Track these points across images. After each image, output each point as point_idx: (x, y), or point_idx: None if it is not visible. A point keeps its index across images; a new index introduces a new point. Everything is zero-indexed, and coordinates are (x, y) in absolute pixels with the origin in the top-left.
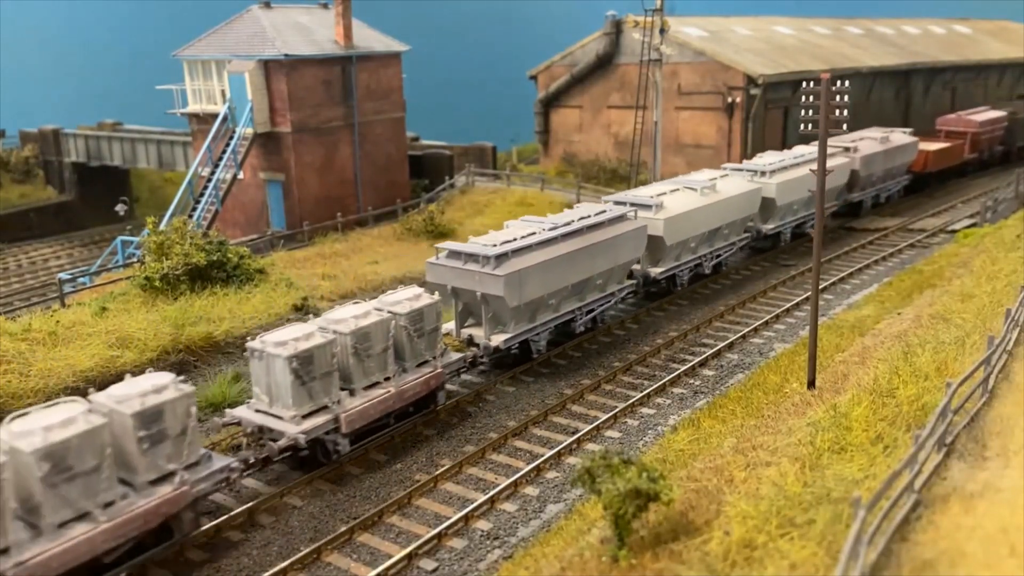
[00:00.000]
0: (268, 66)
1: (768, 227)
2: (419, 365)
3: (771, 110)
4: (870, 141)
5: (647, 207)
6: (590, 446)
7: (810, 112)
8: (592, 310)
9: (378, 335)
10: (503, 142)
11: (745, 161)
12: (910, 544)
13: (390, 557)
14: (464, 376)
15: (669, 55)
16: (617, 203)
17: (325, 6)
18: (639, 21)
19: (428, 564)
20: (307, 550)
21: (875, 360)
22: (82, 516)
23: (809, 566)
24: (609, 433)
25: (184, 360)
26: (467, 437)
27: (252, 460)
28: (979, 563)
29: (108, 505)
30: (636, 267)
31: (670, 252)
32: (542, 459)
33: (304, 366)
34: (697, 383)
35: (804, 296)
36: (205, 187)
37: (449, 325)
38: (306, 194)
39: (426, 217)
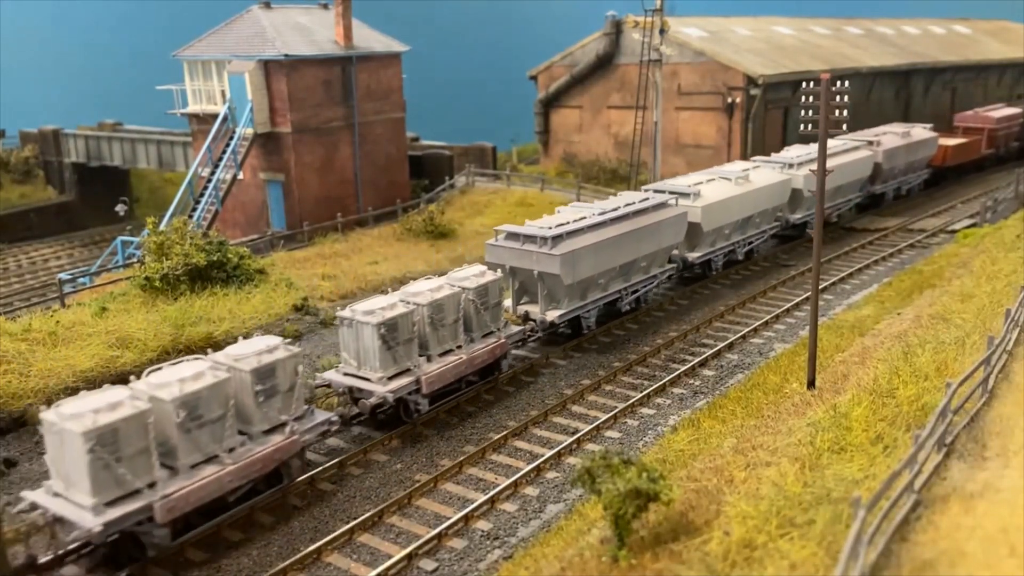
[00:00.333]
0: (268, 66)
1: (796, 216)
2: (484, 336)
3: (771, 110)
4: (892, 135)
5: (686, 195)
6: (590, 446)
7: (810, 112)
8: (636, 290)
9: (450, 307)
10: (503, 142)
11: (773, 154)
12: (910, 544)
13: (390, 557)
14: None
15: (669, 55)
16: (657, 191)
17: (325, 6)
18: (639, 21)
19: (428, 564)
20: (307, 550)
21: (875, 360)
22: (210, 459)
23: (809, 566)
24: (609, 433)
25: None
26: (467, 437)
27: (347, 415)
28: (979, 563)
29: (231, 450)
30: (674, 252)
31: (706, 238)
32: (542, 459)
33: (390, 332)
34: (697, 383)
35: (804, 296)
36: (205, 187)
37: (506, 302)
38: (306, 194)
39: (426, 217)
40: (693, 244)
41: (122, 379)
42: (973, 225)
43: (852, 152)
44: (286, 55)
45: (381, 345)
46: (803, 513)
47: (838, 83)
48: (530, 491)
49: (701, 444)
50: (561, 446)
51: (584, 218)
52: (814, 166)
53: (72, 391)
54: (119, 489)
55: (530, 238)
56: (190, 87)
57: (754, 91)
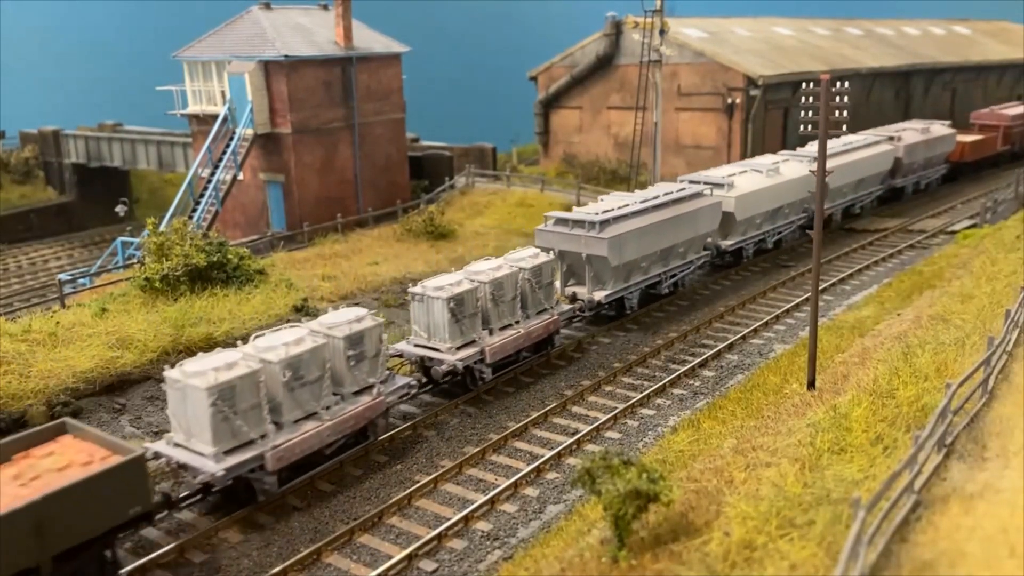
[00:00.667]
0: (268, 67)
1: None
2: (539, 313)
3: (771, 111)
4: (912, 131)
5: (720, 185)
6: (590, 447)
7: (810, 113)
8: (675, 274)
9: (509, 285)
10: (503, 143)
11: (798, 148)
12: (910, 545)
13: (390, 558)
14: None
15: (669, 56)
16: (692, 182)
17: (325, 7)
18: (639, 22)
19: (428, 565)
20: (307, 551)
21: (875, 361)
22: (310, 416)
23: (809, 567)
24: (609, 434)
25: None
26: (467, 438)
27: (421, 382)
28: (979, 564)
29: (327, 408)
30: (708, 239)
31: (739, 227)
32: (542, 460)
33: (458, 307)
34: (697, 384)
35: (804, 297)
36: (205, 188)
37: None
38: (306, 195)
39: (426, 218)
40: (726, 232)
41: (122, 380)
42: (973, 226)
43: (874, 147)
44: (286, 56)
45: (450, 318)
46: (803, 514)
47: (838, 84)
48: (530, 492)
49: (701, 445)
50: (561, 447)
51: (627, 205)
52: (840, 160)
53: (72, 392)
54: (235, 439)
55: (579, 223)
56: (190, 88)
57: (754, 92)
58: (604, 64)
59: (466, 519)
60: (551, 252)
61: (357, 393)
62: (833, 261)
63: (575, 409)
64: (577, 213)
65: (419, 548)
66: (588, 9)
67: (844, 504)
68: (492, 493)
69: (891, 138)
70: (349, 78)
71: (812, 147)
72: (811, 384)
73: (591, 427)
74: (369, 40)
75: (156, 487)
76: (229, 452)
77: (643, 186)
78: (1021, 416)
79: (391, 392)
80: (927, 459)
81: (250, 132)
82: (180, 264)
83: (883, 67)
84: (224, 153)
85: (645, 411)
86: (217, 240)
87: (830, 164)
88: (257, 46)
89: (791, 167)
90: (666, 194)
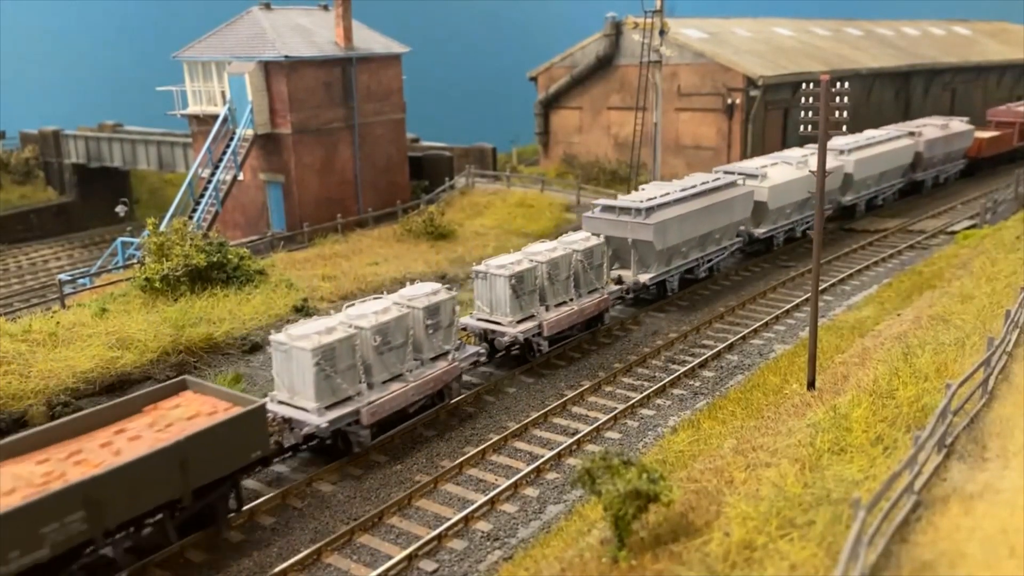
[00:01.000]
0: (268, 67)
1: (847, 199)
2: (590, 292)
3: (771, 111)
4: (932, 127)
5: (753, 176)
6: (590, 447)
7: (810, 113)
8: (711, 259)
9: (563, 265)
10: (503, 143)
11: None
12: (910, 545)
13: (390, 558)
14: (465, 377)
15: (669, 56)
16: (727, 172)
17: (325, 7)
18: (639, 22)
19: (428, 565)
20: (307, 551)
21: (875, 361)
22: (396, 377)
23: (809, 567)
24: (609, 434)
25: (184, 361)
26: (467, 438)
27: (487, 351)
28: (979, 564)
29: (410, 371)
30: (741, 227)
31: (770, 216)
32: (542, 460)
33: (519, 284)
34: (697, 384)
35: (804, 297)
36: (205, 188)
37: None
38: (306, 195)
39: (426, 218)
40: (758, 221)
41: (122, 380)
42: (973, 226)
43: (896, 141)
44: (286, 56)
45: (511, 294)
46: (803, 514)
47: (838, 84)
48: (530, 492)
49: (701, 445)
50: (561, 447)
51: (669, 193)
52: (864, 153)
53: (72, 392)
54: (334, 396)
55: (625, 210)
56: (190, 88)
57: (754, 92)
58: (604, 64)
59: (466, 519)
60: (601, 236)
61: (434, 359)
62: (833, 261)
63: (575, 409)
64: (623, 200)
65: (419, 548)
66: (588, 9)
67: (844, 504)
68: (492, 493)
69: (912, 133)
70: (349, 78)
71: (838, 140)
72: (811, 384)
73: (591, 427)
74: (369, 40)
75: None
76: (329, 407)
77: (642, 185)
78: (1021, 416)
79: (463, 359)
80: (927, 459)
81: (250, 132)
82: (180, 264)
83: (883, 67)
84: (224, 153)
85: (645, 411)
86: (217, 240)
87: (856, 157)
88: (257, 46)
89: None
90: (704, 183)
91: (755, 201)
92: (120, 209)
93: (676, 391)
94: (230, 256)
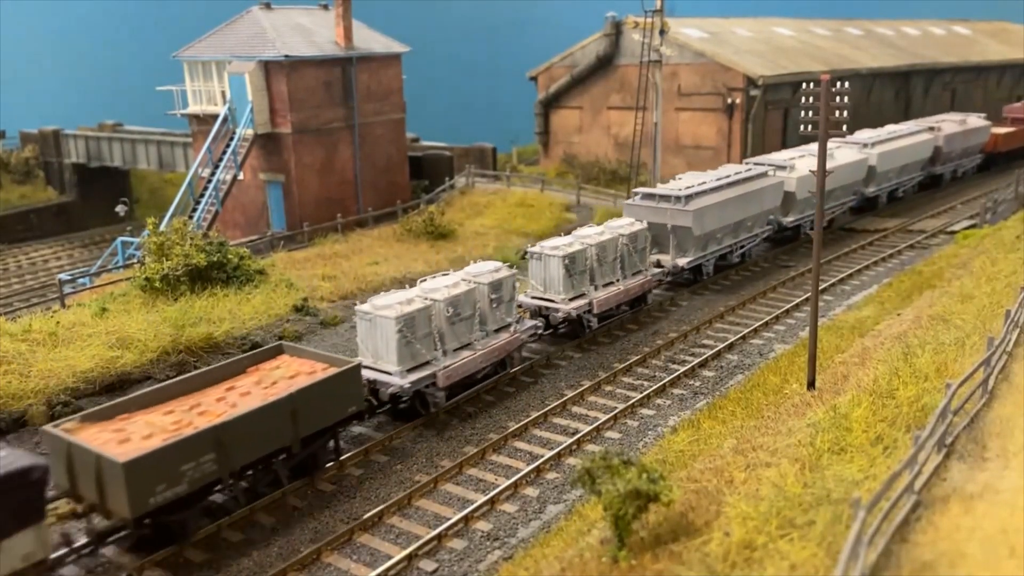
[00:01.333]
0: (268, 67)
1: (870, 190)
2: (634, 273)
3: (771, 111)
4: (950, 123)
5: (782, 167)
6: (590, 447)
7: (810, 113)
8: (743, 246)
9: (611, 248)
10: (503, 143)
11: (848, 136)
12: (910, 545)
13: (390, 558)
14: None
15: (669, 56)
16: (757, 164)
17: (325, 7)
18: (639, 22)
19: (428, 565)
20: (307, 551)
21: (875, 361)
22: (465, 346)
23: (809, 567)
24: (609, 434)
25: (184, 361)
26: (467, 438)
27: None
28: (979, 564)
29: (478, 341)
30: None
31: (798, 205)
32: (542, 460)
33: (571, 263)
34: (697, 384)
35: (804, 297)
36: (205, 188)
37: None
38: (306, 195)
39: (426, 218)
40: (787, 210)
41: (122, 380)
42: (973, 226)
43: (917, 135)
44: (286, 56)
45: (564, 274)
46: (803, 514)
47: (838, 84)
48: (530, 492)
49: (701, 445)
50: (561, 447)
51: (705, 183)
52: (887, 147)
53: (72, 392)
54: (414, 361)
55: (665, 197)
56: (190, 88)
57: (754, 92)
58: (604, 64)
59: (466, 519)
60: (645, 221)
61: (497, 331)
62: (833, 261)
63: (575, 409)
64: (662, 188)
65: (419, 548)
66: (588, 9)
67: (844, 504)
68: (492, 493)
69: (931, 128)
70: (349, 78)
71: (861, 134)
72: (811, 384)
73: (591, 427)
74: (369, 40)
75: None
76: (410, 371)
77: (643, 186)
78: (1021, 416)
79: (523, 331)
80: (927, 459)
81: (250, 132)
82: (180, 264)
83: (883, 67)
84: (224, 153)
85: (645, 411)
86: (217, 240)
87: (879, 150)
88: (257, 46)
89: (844, 152)
90: (737, 173)
91: (784, 191)
92: (120, 209)
93: (676, 391)
94: (230, 256)
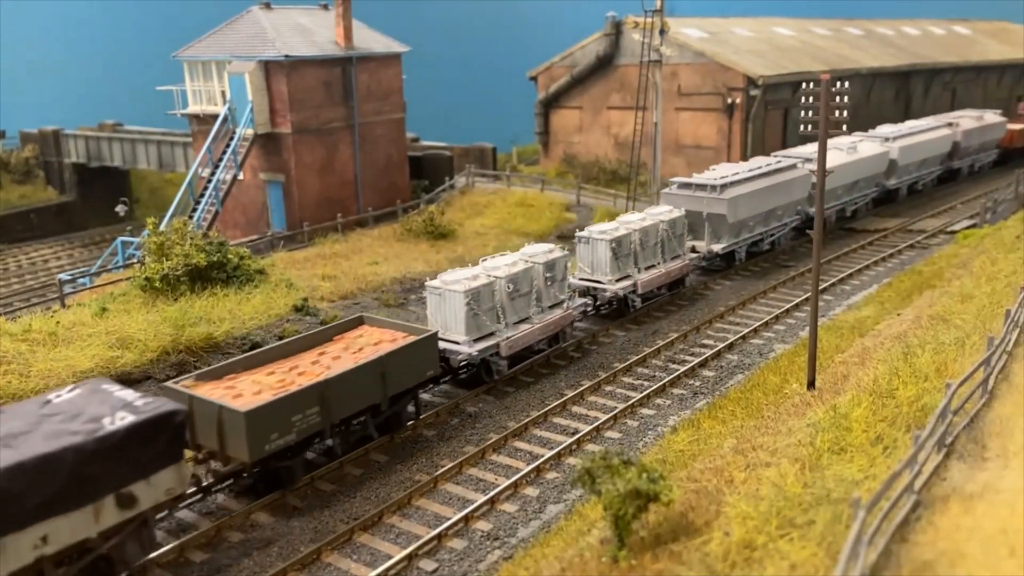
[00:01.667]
0: (268, 67)
1: (891, 183)
2: (673, 258)
3: (771, 111)
4: (968, 119)
5: (809, 160)
6: (590, 447)
7: (810, 113)
8: (773, 235)
9: (652, 233)
10: (503, 143)
11: (870, 130)
12: (910, 545)
13: (390, 558)
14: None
15: (669, 56)
16: (786, 156)
17: (325, 7)
18: (639, 22)
19: (428, 565)
20: (307, 550)
21: (875, 361)
22: (523, 320)
23: (809, 567)
24: (609, 434)
25: (184, 360)
26: (467, 438)
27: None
28: (978, 564)
29: (535, 315)
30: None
31: (824, 196)
32: (542, 460)
33: (618, 247)
34: (697, 384)
35: (804, 297)
36: (205, 188)
37: None
38: (306, 195)
39: (426, 218)
40: (813, 201)
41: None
42: (973, 226)
43: (936, 130)
44: (286, 56)
45: (611, 256)
46: (803, 514)
47: (838, 84)
48: (530, 492)
49: (701, 445)
50: (561, 447)
51: (738, 173)
52: (907, 141)
53: None
54: (479, 332)
55: (701, 186)
56: (190, 88)
57: (754, 92)
58: (604, 64)
59: (466, 519)
60: (683, 209)
61: (551, 307)
62: (833, 261)
63: (575, 409)
64: (698, 178)
65: (419, 548)
66: (588, 9)
67: (844, 504)
68: (492, 493)
69: (950, 124)
70: (349, 78)
71: (883, 128)
72: (811, 384)
73: (591, 427)
74: (369, 40)
75: None
76: (476, 340)
77: (643, 186)
78: (1021, 416)
79: (575, 307)
80: (927, 459)
81: (250, 132)
82: (180, 264)
83: (883, 67)
84: (224, 153)
85: (645, 411)
86: (217, 240)
87: (900, 144)
88: (257, 46)
89: (866, 146)
90: (768, 165)
91: (812, 183)
92: (120, 209)
93: (676, 391)
94: (230, 256)
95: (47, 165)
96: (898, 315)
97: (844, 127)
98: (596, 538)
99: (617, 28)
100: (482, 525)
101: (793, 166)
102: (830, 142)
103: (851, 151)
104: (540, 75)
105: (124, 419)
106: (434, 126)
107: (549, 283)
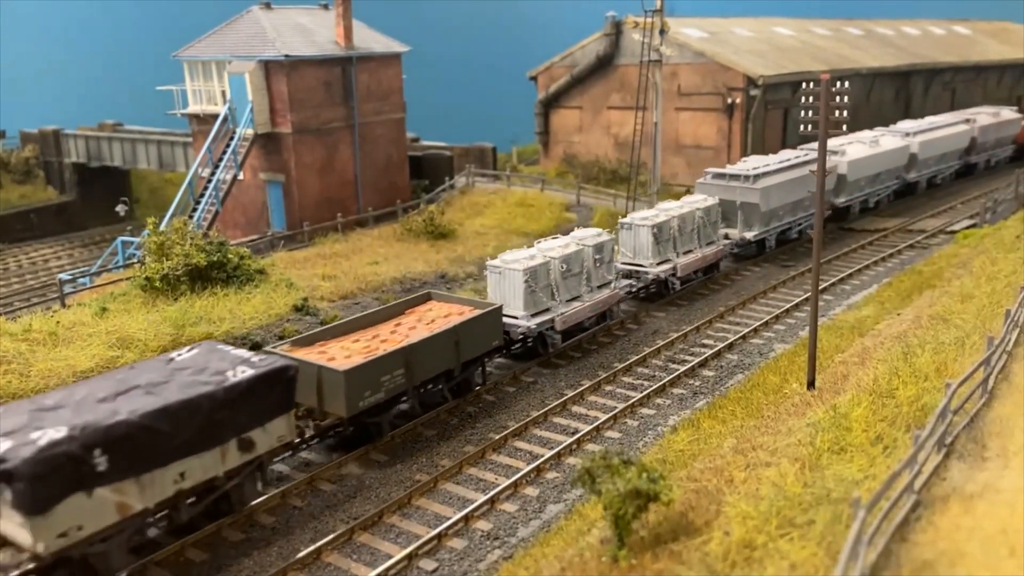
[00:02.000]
0: (268, 67)
1: (911, 176)
2: (708, 244)
3: (771, 111)
4: (985, 115)
5: (834, 152)
6: (590, 446)
7: (810, 113)
8: (800, 224)
9: (689, 220)
10: (503, 143)
11: (891, 125)
12: (910, 545)
13: (390, 557)
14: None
15: (669, 56)
16: (812, 149)
17: (325, 7)
18: (639, 22)
19: (428, 564)
20: (307, 550)
21: (875, 361)
22: (575, 298)
23: (809, 566)
24: (609, 433)
25: None
26: (467, 437)
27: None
28: (978, 564)
29: (585, 294)
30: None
31: (848, 188)
32: (542, 459)
33: (659, 232)
34: (697, 384)
35: (804, 297)
36: (205, 188)
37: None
38: (306, 195)
39: (426, 218)
40: (839, 192)
41: None
42: (973, 226)
43: (954, 126)
44: (286, 56)
45: (652, 241)
46: (803, 513)
47: (838, 84)
48: (530, 491)
49: (701, 444)
50: (561, 446)
51: (768, 164)
52: (927, 136)
53: None
54: (536, 307)
55: (735, 176)
56: (190, 87)
57: (754, 92)
58: (604, 64)
59: (466, 518)
60: (717, 199)
61: (600, 287)
62: (833, 261)
63: (575, 409)
64: (731, 169)
65: (419, 547)
66: (588, 9)
67: (844, 504)
68: (492, 492)
69: (968, 120)
70: (349, 78)
71: (904, 124)
72: (811, 384)
73: (591, 427)
74: (369, 40)
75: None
76: (533, 315)
77: (643, 186)
78: (1021, 416)
79: (621, 288)
80: (927, 459)
81: (250, 132)
82: (180, 264)
83: (883, 67)
84: (224, 153)
85: (645, 411)
86: (217, 240)
87: (920, 139)
88: (257, 46)
89: (888, 140)
90: (796, 157)
91: (837, 174)
92: (120, 208)
93: (676, 390)
94: (230, 255)
95: (47, 165)
96: (898, 315)
97: (844, 127)
98: (596, 538)
99: (617, 28)
100: (482, 525)
101: None
102: (854, 136)
103: (873, 144)
104: (540, 75)
105: (245, 372)
106: (434, 126)
107: (598, 264)
